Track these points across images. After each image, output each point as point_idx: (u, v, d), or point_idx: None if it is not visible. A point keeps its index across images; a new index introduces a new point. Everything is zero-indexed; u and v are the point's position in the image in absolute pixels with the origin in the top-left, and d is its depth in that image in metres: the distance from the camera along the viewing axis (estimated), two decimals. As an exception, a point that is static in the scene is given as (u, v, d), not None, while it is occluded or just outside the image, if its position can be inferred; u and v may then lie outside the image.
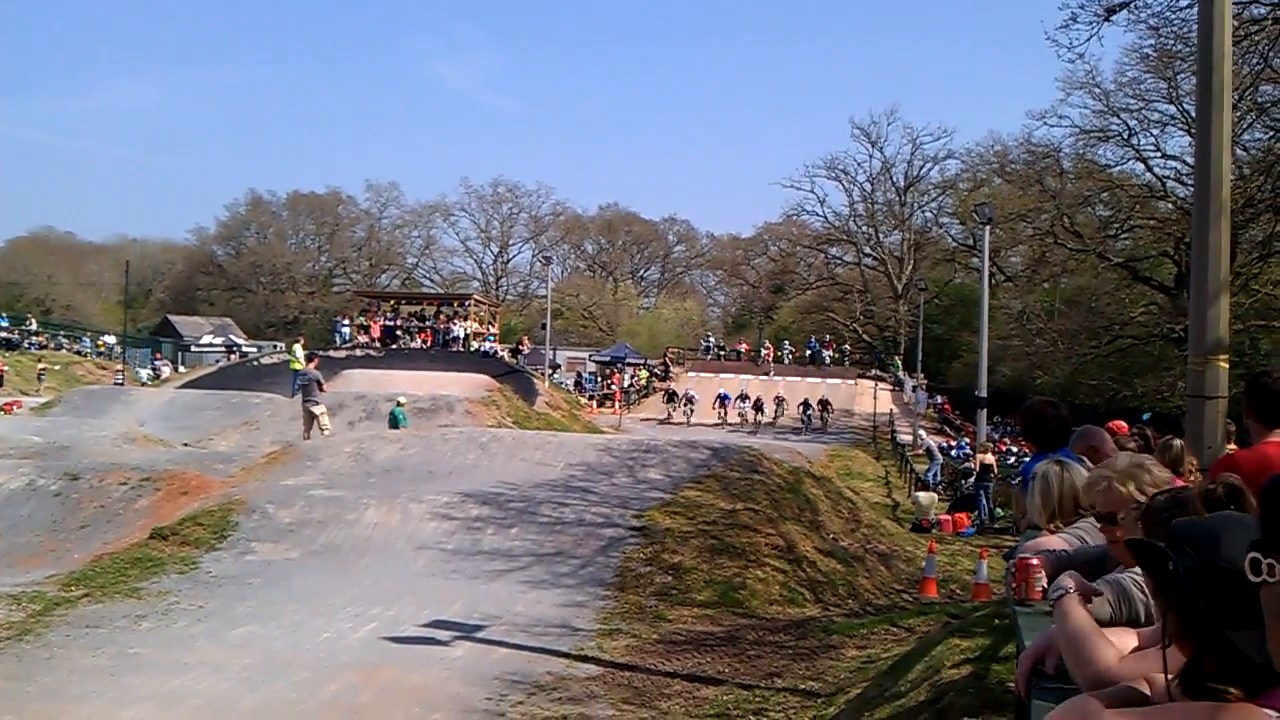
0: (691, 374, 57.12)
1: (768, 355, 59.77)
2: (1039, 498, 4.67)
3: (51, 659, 10.76)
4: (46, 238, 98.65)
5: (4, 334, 56.99)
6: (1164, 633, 2.23)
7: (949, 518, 25.20)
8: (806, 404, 49.02)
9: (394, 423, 26.63)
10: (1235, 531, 2.11)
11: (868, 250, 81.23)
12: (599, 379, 60.65)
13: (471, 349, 49.09)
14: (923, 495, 27.02)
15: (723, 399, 49.81)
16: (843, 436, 44.37)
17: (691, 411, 49.20)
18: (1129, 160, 51.01)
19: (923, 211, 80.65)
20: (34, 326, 61.39)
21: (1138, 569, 3.03)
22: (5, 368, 48.97)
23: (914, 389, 54.82)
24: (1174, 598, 2.13)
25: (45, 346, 58.67)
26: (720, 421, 47.16)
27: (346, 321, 52.95)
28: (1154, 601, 2.37)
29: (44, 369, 50.72)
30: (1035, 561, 4.01)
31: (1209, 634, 2.03)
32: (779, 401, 49.72)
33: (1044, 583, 3.88)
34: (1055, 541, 4.38)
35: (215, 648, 11.32)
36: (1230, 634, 1.99)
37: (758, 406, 48.87)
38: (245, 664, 10.83)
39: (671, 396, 52.09)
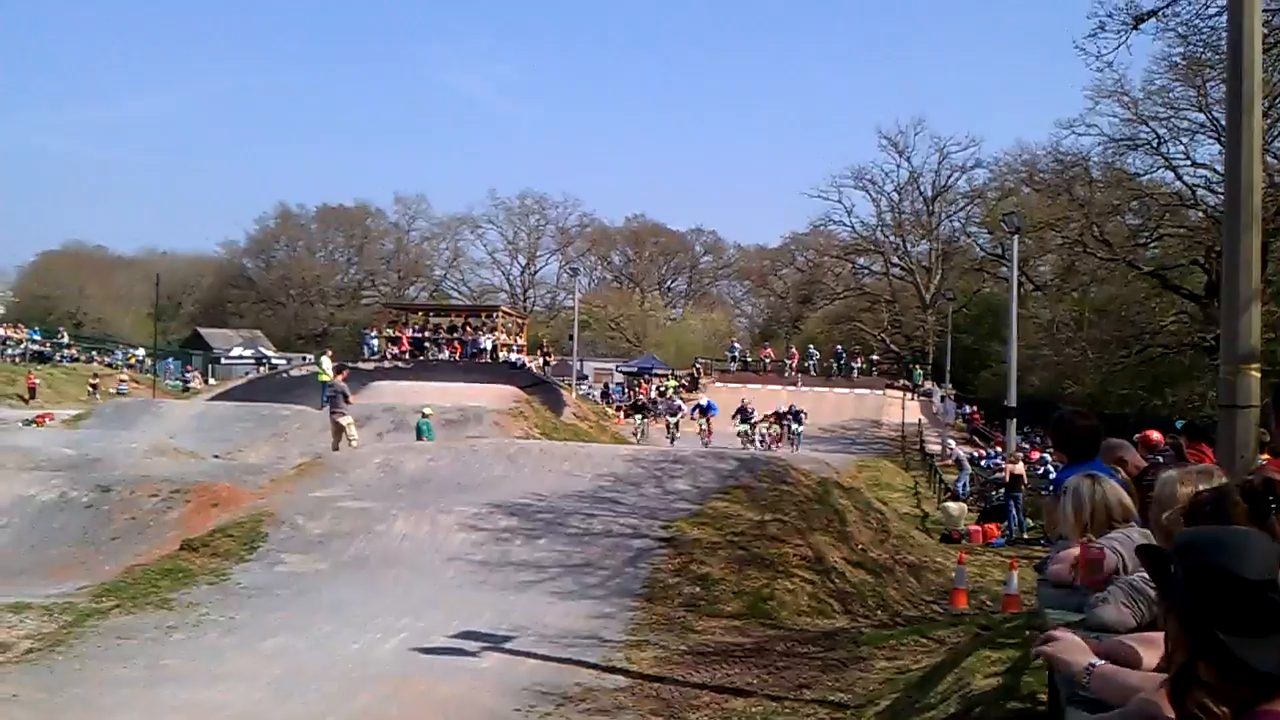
0: (718, 385, 56.99)
1: (793, 363, 59.49)
2: (1070, 512, 4.63)
3: (83, 670, 10.82)
4: (77, 251, 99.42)
5: (36, 347, 57.45)
6: (1165, 637, 2.25)
7: (979, 528, 25.09)
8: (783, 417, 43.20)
9: (420, 434, 26.69)
10: (1239, 539, 2.14)
11: (895, 260, 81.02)
12: (626, 390, 60.63)
13: (499, 360, 49.19)
14: (952, 505, 26.88)
15: (704, 408, 41.83)
16: (871, 447, 44.21)
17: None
18: (1158, 169, 50.72)
19: (950, 221, 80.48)
20: (66, 339, 61.86)
21: None
22: (38, 381, 49.35)
23: (942, 399, 54.59)
24: (1173, 601, 2.15)
25: (77, 359, 59.11)
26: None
27: (375, 334, 53.15)
28: (1158, 607, 2.38)
29: (97, 381, 51.09)
30: (1100, 555, 4.06)
31: (1204, 638, 2.04)
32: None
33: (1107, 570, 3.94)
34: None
35: (246, 659, 11.36)
36: (1226, 638, 2.00)
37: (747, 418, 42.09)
38: (275, 675, 10.87)
39: (642, 408, 45.37)
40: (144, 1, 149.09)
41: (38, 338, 59.28)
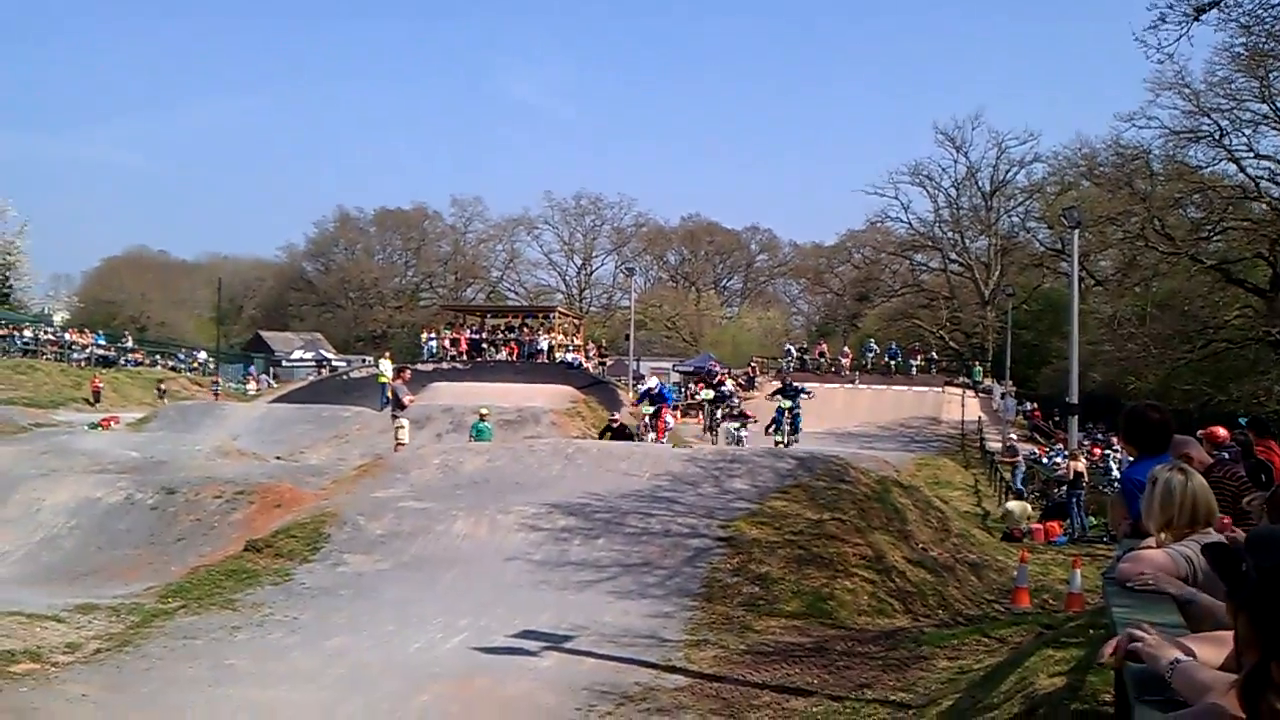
0: (775, 383, 56.67)
1: (847, 361, 58.99)
2: (1158, 505, 4.47)
3: (150, 670, 10.97)
4: (140, 257, 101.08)
5: (101, 351, 58.31)
6: (1235, 637, 2.20)
7: (1040, 527, 24.86)
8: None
9: (476, 437, 26.54)
10: None
11: (953, 256, 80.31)
12: (683, 389, 60.49)
13: (556, 361, 49.33)
14: (1014, 505, 26.63)
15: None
16: (930, 445, 43.90)
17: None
18: (1221, 161, 50.02)
19: (1009, 216, 79.53)
20: (130, 344, 62.76)
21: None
22: (103, 384, 50.08)
23: (1003, 396, 54.06)
24: (1245, 599, 2.10)
25: (141, 363, 59.92)
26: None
27: (433, 335, 53.50)
28: (1227, 606, 2.33)
29: (164, 386, 51.81)
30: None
31: (1278, 639, 1.99)
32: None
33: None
34: (1159, 556, 4.27)
35: (309, 658, 11.48)
36: None
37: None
38: (338, 675, 10.98)
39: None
40: (204, 13, 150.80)
41: (103, 342, 60.13)
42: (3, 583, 15.20)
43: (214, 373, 59.37)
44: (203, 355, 66.08)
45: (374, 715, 9.96)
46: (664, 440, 28.59)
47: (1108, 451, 36.37)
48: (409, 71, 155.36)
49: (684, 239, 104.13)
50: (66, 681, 10.51)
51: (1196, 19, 21.93)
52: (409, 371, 30.97)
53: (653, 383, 31.07)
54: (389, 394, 26.67)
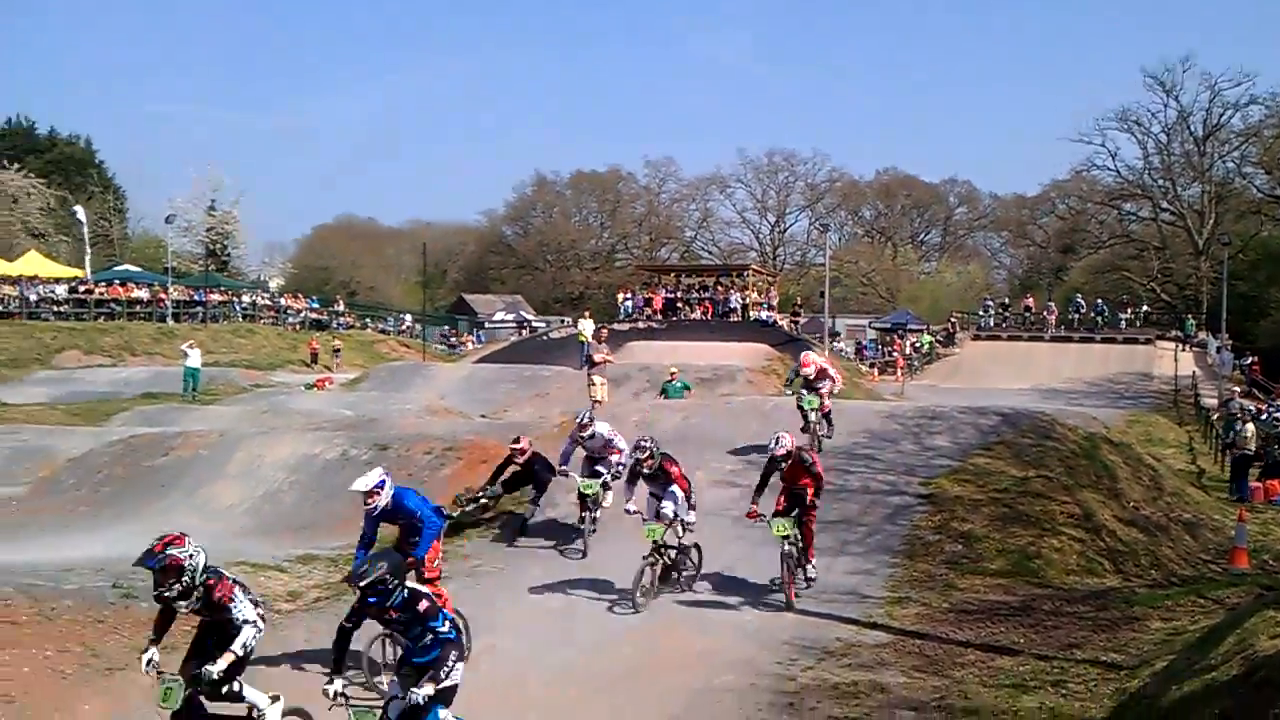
0: (972, 341, 55.44)
1: (1052, 317, 57.01)
2: None
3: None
4: (349, 225, 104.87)
5: (314, 315, 60.78)
6: None
7: (1260, 485, 23.75)
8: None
9: (665, 396, 26.38)
10: None
11: (1164, 205, 76.87)
12: (880, 346, 59.62)
13: (749, 319, 49.22)
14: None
15: None
16: (1141, 401, 42.32)
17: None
18: None
19: (1224, 162, 75.49)
20: (341, 308, 65.24)
21: None
22: (317, 346, 52.08)
23: (1219, 350, 51.68)
24: None
25: (352, 326, 62.13)
26: None
27: (629, 295, 54.04)
28: None
29: (339, 346, 53.38)
30: None
31: None
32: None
33: None
34: None
35: (514, 609, 11.87)
36: None
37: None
38: (544, 624, 11.33)
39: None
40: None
41: (316, 306, 62.74)
42: (229, 534, 16.07)
43: (421, 335, 61.24)
44: (409, 318, 68.13)
45: (577, 665, 10.23)
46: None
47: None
48: (599, 36, 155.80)
49: (879, 193, 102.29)
50: (289, 629, 11.11)
51: None
52: (606, 330, 31.28)
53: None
54: (587, 352, 26.95)
